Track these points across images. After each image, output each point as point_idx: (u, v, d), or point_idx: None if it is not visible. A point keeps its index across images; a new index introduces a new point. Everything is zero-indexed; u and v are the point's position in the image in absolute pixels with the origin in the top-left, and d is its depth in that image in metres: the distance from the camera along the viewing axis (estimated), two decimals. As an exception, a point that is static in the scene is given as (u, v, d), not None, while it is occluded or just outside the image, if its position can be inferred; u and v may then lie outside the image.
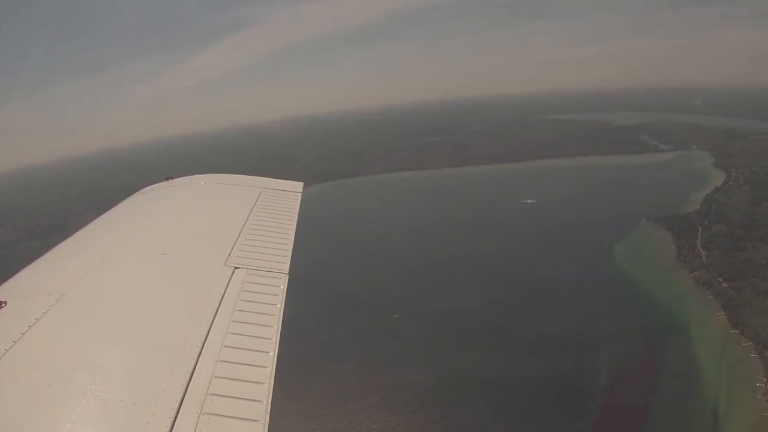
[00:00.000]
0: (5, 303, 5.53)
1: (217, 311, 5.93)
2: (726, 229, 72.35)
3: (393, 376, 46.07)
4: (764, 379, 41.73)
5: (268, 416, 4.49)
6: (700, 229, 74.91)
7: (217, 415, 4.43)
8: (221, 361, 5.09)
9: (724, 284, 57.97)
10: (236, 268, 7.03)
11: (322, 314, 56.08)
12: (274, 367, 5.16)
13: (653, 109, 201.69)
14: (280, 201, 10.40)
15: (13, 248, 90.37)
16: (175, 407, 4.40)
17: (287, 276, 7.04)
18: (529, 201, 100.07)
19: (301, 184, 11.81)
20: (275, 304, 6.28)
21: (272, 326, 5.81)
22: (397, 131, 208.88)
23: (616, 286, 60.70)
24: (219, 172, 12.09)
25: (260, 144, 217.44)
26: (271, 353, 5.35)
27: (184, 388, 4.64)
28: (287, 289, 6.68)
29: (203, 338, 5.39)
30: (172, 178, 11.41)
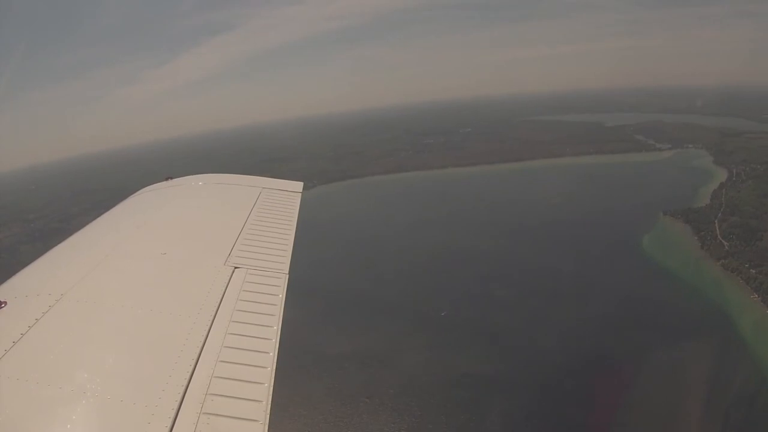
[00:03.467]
0: (5, 303, 5.59)
1: (217, 311, 6.02)
2: (741, 221, 77.35)
3: (473, 367, 47.68)
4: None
5: (268, 416, 4.58)
6: (716, 221, 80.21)
7: (217, 415, 4.51)
8: (221, 361, 5.18)
9: (752, 270, 63.15)
10: (236, 267, 7.13)
11: (378, 318, 57.62)
12: (274, 367, 5.23)
13: (641, 109, 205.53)
14: (280, 201, 10.50)
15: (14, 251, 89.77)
16: (175, 407, 4.48)
17: (287, 276, 7.14)
18: (553, 200, 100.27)
19: (301, 183, 12.00)
20: (275, 304, 6.37)
21: (272, 326, 5.89)
22: (389, 133, 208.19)
23: (654, 274, 64.37)
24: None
25: (250, 147, 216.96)
26: (271, 353, 5.43)
27: (184, 388, 4.72)
28: (288, 288, 6.79)
29: (203, 338, 5.48)
30: (172, 178, 11.54)
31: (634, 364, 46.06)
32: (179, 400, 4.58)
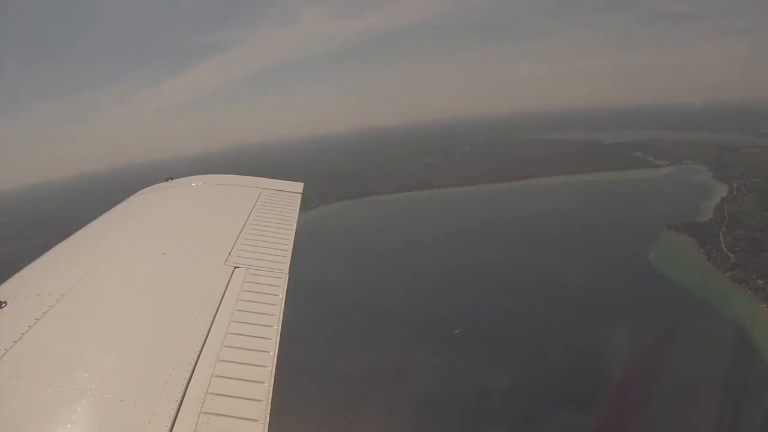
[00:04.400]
0: (5, 303, 5.61)
1: (217, 311, 6.02)
2: (745, 234, 78.09)
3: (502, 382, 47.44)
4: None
5: (268, 416, 4.59)
6: (720, 234, 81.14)
7: (217, 414, 4.52)
8: (221, 360, 5.18)
9: (759, 281, 63.96)
10: (236, 267, 7.13)
11: (392, 337, 57.39)
12: (274, 367, 5.24)
13: (637, 126, 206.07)
14: (281, 201, 10.50)
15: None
16: (175, 407, 4.48)
17: (287, 276, 7.15)
18: (556, 217, 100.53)
19: (301, 184, 11.98)
20: (275, 304, 6.38)
21: (272, 326, 5.90)
22: (386, 153, 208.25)
23: (664, 287, 65.02)
24: None
25: (246, 167, 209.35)
26: (271, 353, 5.43)
27: (184, 387, 4.72)
28: (288, 288, 6.81)
29: (203, 338, 5.48)
30: (172, 179, 11.57)
31: (654, 375, 46.61)
32: (179, 399, 4.58)
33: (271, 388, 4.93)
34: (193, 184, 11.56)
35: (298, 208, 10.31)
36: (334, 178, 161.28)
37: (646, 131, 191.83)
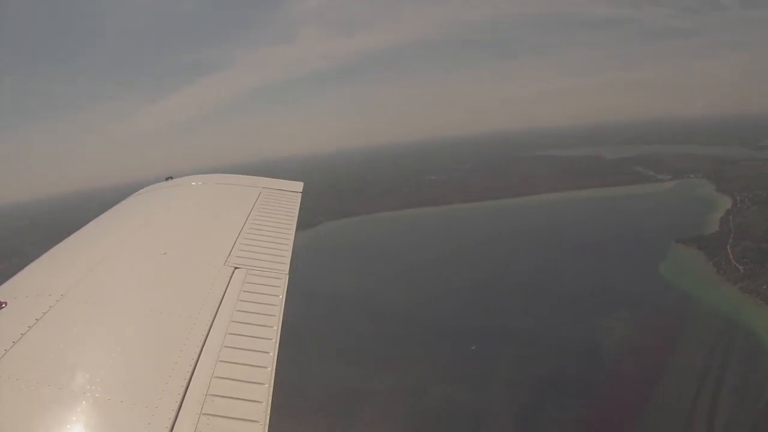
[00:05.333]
0: (5, 303, 5.59)
1: (217, 311, 5.99)
2: (753, 245, 79.14)
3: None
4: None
5: (268, 417, 4.58)
6: (728, 246, 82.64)
7: (217, 415, 4.51)
8: (221, 361, 5.16)
9: (768, 291, 65.60)
10: (236, 268, 7.11)
11: (409, 355, 57.72)
12: (274, 368, 5.23)
13: (637, 141, 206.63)
14: (281, 201, 10.49)
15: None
16: (175, 408, 4.47)
17: (287, 276, 7.12)
18: (564, 233, 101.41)
19: (301, 184, 11.98)
20: (275, 305, 6.36)
21: (272, 326, 5.87)
22: (388, 170, 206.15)
23: (678, 299, 66.38)
24: None
25: None
26: (271, 353, 5.42)
27: (184, 388, 4.70)
28: (288, 289, 6.78)
29: (203, 338, 5.46)
30: (172, 178, 11.50)
31: (676, 383, 47.90)
32: (179, 400, 4.57)
33: (271, 389, 4.93)
34: (193, 183, 11.54)
35: (298, 208, 10.30)
36: (337, 195, 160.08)
37: (646, 146, 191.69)
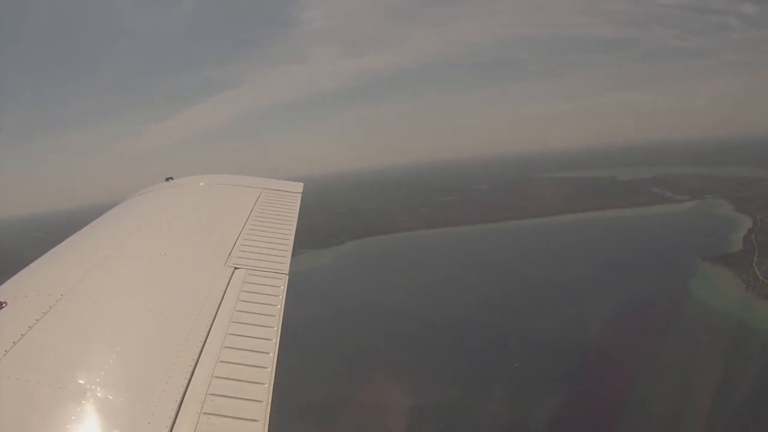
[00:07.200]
0: (5, 303, 5.58)
1: (217, 311, 5.99)
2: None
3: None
4: None
5: (267, 416, 4.60)
6: (753, 264, 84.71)
7: (217, 415, 4.50)
8: (221, 361, 5.16)
9: (797, 305, 67.69)
10: (236, 268, 7.10)
11: (456, 372, 58.46)
12: (274, 368, 5.23)
13: (651, 162, 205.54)
14: (281, 201, 10.49)
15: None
16: (175, 407, 4.47)
17: (287, 276, 7.11)
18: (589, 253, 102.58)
19: (302, 184, 11.94)
20: (275, 305, 6.36)
21: (272, 327, 5.87)
22: (403, 191, 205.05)
23: (710, 315, 67.13)
24: None
25: None
26: (271, 354, 5.41)
27: (184, 388, 4.70)
28: (288, 290, 6.77)
29: (203, 338, 5.45)
30: (172, 178, 11.49)
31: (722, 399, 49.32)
32: (179, 400, 4.56)
33: (271, 388, 4.93)
34: (193, 183, 11.61)
35: (298, 208, 10.31)
36: (355, 215, 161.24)
37: (658, 167, 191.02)
